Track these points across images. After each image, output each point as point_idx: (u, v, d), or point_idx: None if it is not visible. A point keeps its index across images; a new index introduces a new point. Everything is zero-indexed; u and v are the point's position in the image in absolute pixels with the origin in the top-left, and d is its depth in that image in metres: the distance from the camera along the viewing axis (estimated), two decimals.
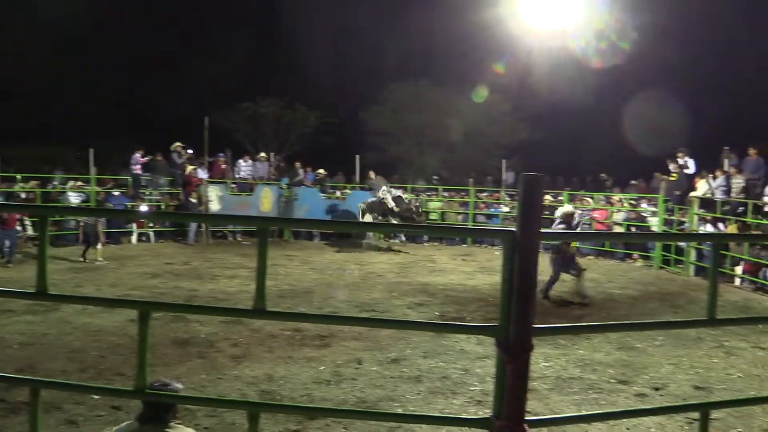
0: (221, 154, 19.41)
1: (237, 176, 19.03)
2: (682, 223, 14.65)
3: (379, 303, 9.71)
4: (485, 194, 19.76)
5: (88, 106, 29.30)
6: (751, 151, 14.70)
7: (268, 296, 7.83)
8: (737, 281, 12.56)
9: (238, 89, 28.40)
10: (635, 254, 15.56)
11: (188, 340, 7.28)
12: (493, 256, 14.99)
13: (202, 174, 17.63)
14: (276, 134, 29.30)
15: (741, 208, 13.76)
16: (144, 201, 16.78)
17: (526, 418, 2.20)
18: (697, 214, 14.09)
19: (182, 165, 17.61)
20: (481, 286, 11.32)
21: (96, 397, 5.34)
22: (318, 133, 29.73)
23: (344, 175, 22.08)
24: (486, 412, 2.30)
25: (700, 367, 6.90)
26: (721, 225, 13.63)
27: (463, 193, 19.64)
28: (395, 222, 15.28)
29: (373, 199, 15.51)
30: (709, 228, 13.65)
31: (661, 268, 14.44)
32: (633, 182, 18.75)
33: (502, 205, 18.32)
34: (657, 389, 6.17)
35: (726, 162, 15.46)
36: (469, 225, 18.12)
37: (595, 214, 16.76)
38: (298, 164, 20.58)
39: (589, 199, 17.51)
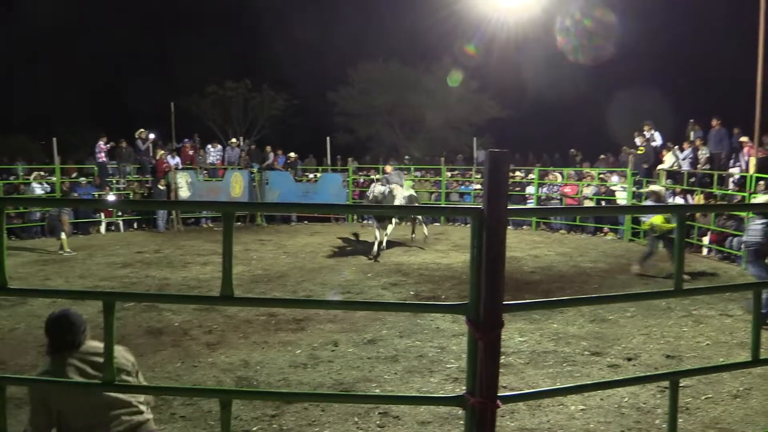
0: (188, 140, 19.13)
1: (208, 162, 18.79)
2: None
3: (353, 284, 9.70)
4: (456, 172, 19.79)
5: (50, 96, 28.61)
6: (714, 123, 14.93)
7: (241, 281, 7.86)
8: (704, 251, 12.81)
9: (204, 74, 27.97)
10: (606, 228, 15.78)
11: (161, 329, 7.20)
12: (466, 235, 14.97)
13: (173, 161, 17.37)
14: (244, 118, 28.98)
15: (707, 180, 14.00)
16: (111, 190, 16.50)
17: (499, 393, 2.21)
18: (664, 186, 14.29)
19: (153, 151, 17.35)
20: (454, 264, 11.38)
21: None
22: (287, 116, 29.50)
23: (315, 157, 21.94)
24: (463, 389, 2.30)
25: (671, 336, 7.04)
26: (689, 197, 13.86)
27: (434, 172, 19.67)
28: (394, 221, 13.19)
29: (382, 191, 12.92)
30: (677, 200, 13.87)
31: (631, 240, 14.67)
32: (602, 156, 18.92)
33: (473, 183, 18.39)
34: (629, 359, 6.28)
35: (692, 134, 15.69)
36: (442, 203, 18.21)
37: (566, 189, 16.93)
38: (268, 148, 20.38)
39: (559, 175, 17.66)
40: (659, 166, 15.12)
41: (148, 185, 17.09)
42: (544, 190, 17.52)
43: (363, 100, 28.59)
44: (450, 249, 13.28)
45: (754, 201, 10.96)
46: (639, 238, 14.55)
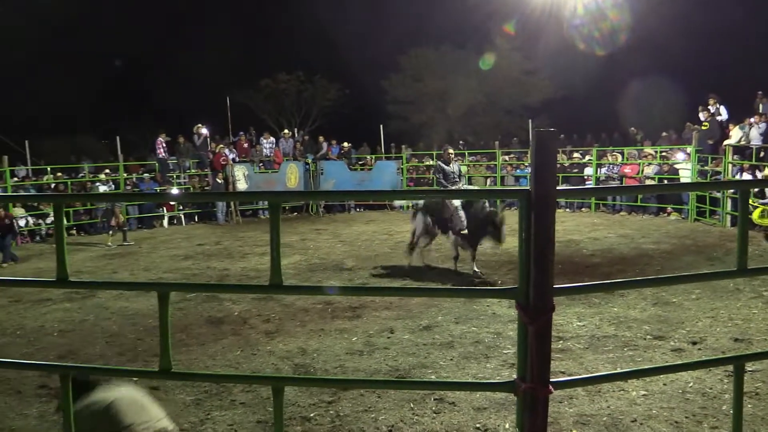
0: (242, 133, 19.49)
1: (263, 154, 19.09)
2: (717, 173, 14.27)
3: (408, 272, 9.69)
4: (512, 156, 19.50)
5: (109, 95, 29.57)
6: None
7: (299, 270, 7.97)
8: None
9: (256, 66, 28.36)
10: (669, 208, 15.25)
11: (222, 319, 7.38)
12: None
13: (230, 154, 17.74)
14: (297, 110, 29.30)
15: None
16: (172, 185, 16.99)
17: (555, 379, 2.16)
18: (731, 162, 13.70)
19: (209, 145, 17.76)
20: (511, 249, 11.20)
21: (135, 379, 5.44)
22: (339, 106, 29.62)
23: (369, 146, 21.99)
24: (515, 376, 2.26)
25: (739, 319, 6.75)
26: (757, 172, 13.24)
27: (488, 157, 19.44)
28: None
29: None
30: (746, 176, 13.27)
31: (696, 220, 14.13)
32: (664, 134, 18.27)
33: (530, 166, 18.08)
34: (694, 343, 6.05)
35: (761, 106, 14.94)
36: (498, 187, 17.99)
37: (626, 170, 16.44)
38: (321, 138, 20.55)
39: (618, 155, 17.16)
40: (726, 142, 14.47)
41: (207, 179, 17.52)
42: (604, 170, 17.06)
43: (415, 86, 28.44)
44: (507, 233, 13.08)
45: None
46: (704, 218, 14.01)
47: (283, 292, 2.44)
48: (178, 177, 17.65)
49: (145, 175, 17.42)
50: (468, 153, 20.21)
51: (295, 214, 17.76)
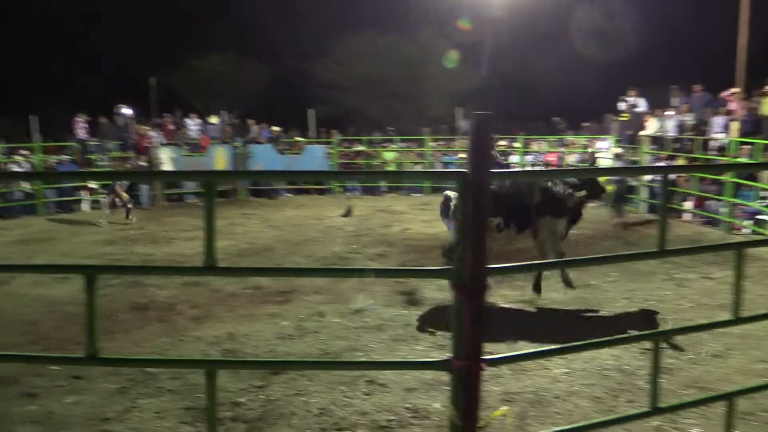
0: (166, 115, 18.89)
1: (189, 137, 18.53)
2: (635, 161, 14.92)
3: (339, 257, 9.70)
4: (441, 142, 19.73)
5: (24, 72, 28.00)
6: (697, 88, 14.97)
7: (227, 255, 7.78)
8: (687, 216, 12.92)
9: (184, 47, 27.45)
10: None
11: (147, 305, 7.17)
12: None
13: (156, 137, 17.13)
14: (226, 92, 28.59)
15: (689, 145, 14.08)
16: (93, 167, 16.29)
17: (484, 357, 2.23)
18: (648, 152, 14.36)
19: (132, 127, 17.10)
20: (440, 234, 11.37)
21: (55, 367, 5.23)
22: (270, 89, 29.13)
23: (298, 130, 21.74)
24: (448, 356, 2.31)
25: (653, 300, 7.13)
26: (672, 163, 13.94)
27: (418, 143, 19.60)
28: None
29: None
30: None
31: (613, 206, 14.74)
32: (585, 124, 18.95)
33: (458, 153, 18.37)
34: None
35: (676, 99, 15.72)
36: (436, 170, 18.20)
37: (550, 158, 16.97)
38: (251, 122, 20.16)
39: (544, 143, 17.69)
40: (642, 132, 15.15)
41: (130, 162, 16.88)
42: (529, 158, 17.55)
43: (345, 71, 28.28)
44: (435, 219, 13.23)
45: None
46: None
47: (218, 274, 2.40)
48: (99, 159, 16.92)
49: (64, 156, 16.62)
50: (399, 139, 20.31)
51: (223, 199, 17.38)
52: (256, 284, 7.69)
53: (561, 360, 5.22)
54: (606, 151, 15.93)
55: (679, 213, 12.99)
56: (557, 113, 20.30)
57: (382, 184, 18.10)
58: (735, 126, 12.76)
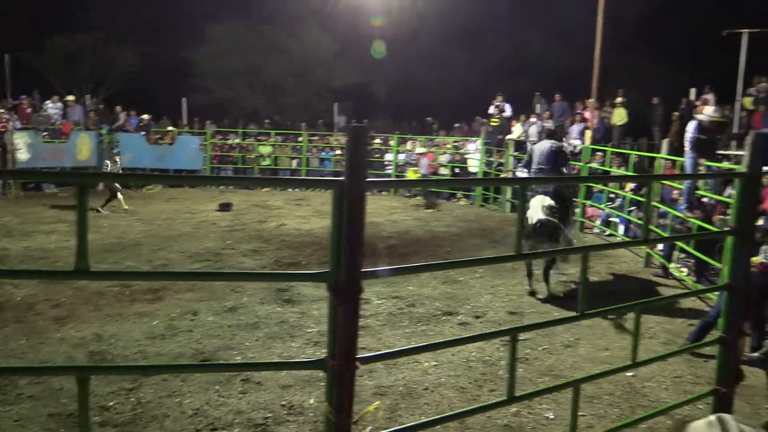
0: (24, 96, 17.50)
1: (50, 121, 17.24)
2: (501, 164, 15.81)
3: (212, 252, 9.52)
4: (317, 138, 19.81)
5: None
6: (557, 97, 16.12)
7: (92, 251, 7.42)
8: None
9: (47, 25, 25.34)
10: (459, 194, 16.61)
11: (2, 305, 6.69)
12: (327, 200, 15.15)
13: (10, 120, 15.80)
14: (92, 74, 26.73)
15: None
16: None
17: (358, 355, 2.36)
18: (512, 155, 15.26)
19: None
20: (315, 230, 11.50)
21: None
22: (140, 74, 27.62)
23: (170, 119, 20.93)
24: (323, 353, 2.42)
25: (514, 295, 7.66)
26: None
27: (295, 138, 19.56)
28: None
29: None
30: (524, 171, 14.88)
31: (482, 206, 15.57)
32: (457, 125, 19.77)
33: (334, 149, 18.52)
34: (477, 317, 6.78)
35: (538, 106, 16.82)
36: (303, 169, 18.22)
37: (423, 157, 17.54)
38: (119, 108, 19.17)
39: (418, 142, 18.26)
40: (508, 136, 16.08)
41: None
42: (402, 156, 18.05)
43: (223, 60, 27.50)
44: (311, 215, 13.38)
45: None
46: (489, 204, 15.49)
47: (91, 278, 2.35)
48: None
49: None
50: (274, 133, 20.14)
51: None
52: (125, 282, 7.39)
53: (430, 354, 5.50)
54: (474, 153, 16.74)
55: None
56: (431, 113, 21.00)
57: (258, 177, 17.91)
58: (588, 134, 13.87)
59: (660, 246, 9.27)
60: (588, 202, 12.29)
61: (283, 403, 4.64)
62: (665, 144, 10.26)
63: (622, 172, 12.21)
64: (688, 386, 5.18)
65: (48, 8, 26.04)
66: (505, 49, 25.33)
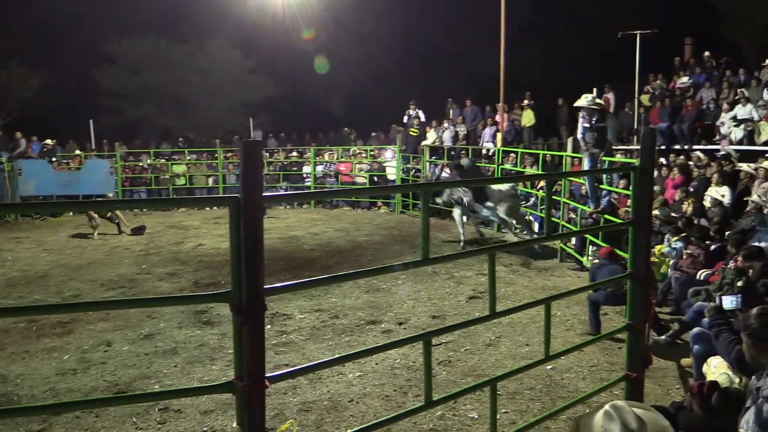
0: None
1: None
2: (418, 170, 16.01)
3: (127, 279, 9.16)
4: (232, 154, 19.42)
5: None
6: (468, 102, 16.51)
7: None
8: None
9: None
10: (379, 202, 16.69)
11: None
12: None
13: None
14: None
15: (463, 152, 15.46)
16: None
17: (279, 372, 2.32)
18: (429, 161, 15.48)
19: None
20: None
21: None
22: (41, 97, 26.30)
23: (77, 143, 20.05)
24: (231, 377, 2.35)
25: (436, 299, 7.75)
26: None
27: (210, 155, 19.14)
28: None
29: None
30: (440, 172, 15.13)
31: (402, 212, 15.71)
32: (373, 134, 19.90)
33: None
34: (401, 324, 6.81)
35: (451, 112, 17.17)
36: (219, 186, 17.85)
37: (341, 167, 17.55)
38: (19, 134, 18.21)
39: (334, 153, 18.25)
40: (423, 143, 16.32)
41: None
42: (321, 168, 17.99)
43: (130, 79, 26.65)
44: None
45: None
46: (409, 210, 15.63)
47: None
48: None
49: None
50: (188, 151, 19.65)
51: None
52: (31, 317, 6.99)
53: (354, 364, 5.47)
54: (391, 160, 16.87)
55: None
56: (348, 123, 21.06)
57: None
58: (499, 137, 14.27)
59: (573, 240, 9.62)
60: None
61: (205, 429, 4.49)
62: (570, 142, 10.66)
63: (534, 171, 12.60)
64: (605, 374, 5.36)
65: None
66: (418, 60, 25.87)
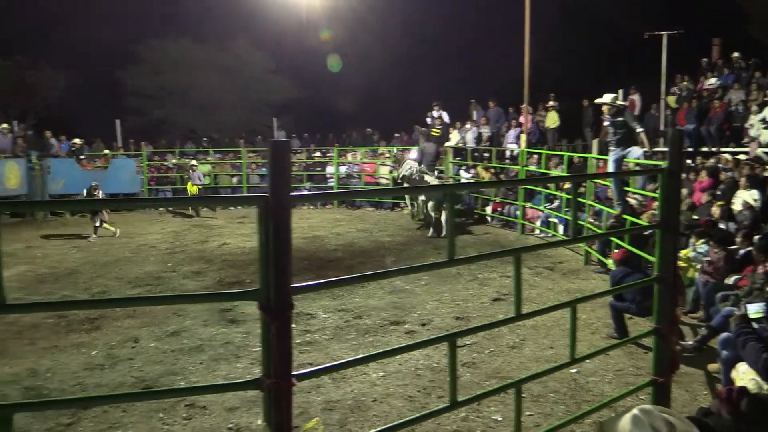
0: None
1: None
2: (441, 171, 15.97)
3: (153, 276, 9.28)
4: (256, 154, 19.56)
5: None
6: (491, 104, 16.44)
7: (25, 283, 7.14)
8: (489, 219, 14.09)
9: None
10: (402, 203, 16.67)
11: None
12: None
13: None
14: (17, 99, 25.70)
15: (487, 155, 15.41)
16: None
17: (303, 371, 2.34)
18: (452, 162, 15.45)
19: None
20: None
21: None
22: (70, 97, 26.74)
23: (104, 142, 20.36)
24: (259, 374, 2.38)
25: (459, 300, 7.73)
26: (471, 171, 15.13)
27: (234, 155, 19.29)
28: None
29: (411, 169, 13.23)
30: (464, 173, 15.09)
31: None
32: (396, 135, 19.88)
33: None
34: (424, 325, 6.80)
35: (474, 113, 17.11)
36: (243, 186, 17.99)
37: (365, 168, 17.58)
38: (48, 133, 18.54)
39: (358, 154, 18.28)
40: (446, 144, 16.27)
41: None
42: (344, 169, 18.03)
43: (155, 80, 27.04)
44: (254, 232, 13.09)
45: None
46: None
47: (7, 311, 2.25)
48: None
49: None
50: (213, 151, 19.84)
51: (18, 219, 15.75)
52: (60, 312, 7.12)
53: (377, 364, 5.49)
54: (414, 161, 16.85)
55: (483, 217, 14.13)
56: (370, 124, 21.07)
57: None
58: (523, 138, 14.18)
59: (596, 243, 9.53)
60: (528, 204, 12.52)
61: (230, 426, 4.54)
62: (596, 144, 10.56)
63: (559, 173, 12.50)
64: (630, 378, 5.31)
65: None
66: (441, 61, 25.84)
